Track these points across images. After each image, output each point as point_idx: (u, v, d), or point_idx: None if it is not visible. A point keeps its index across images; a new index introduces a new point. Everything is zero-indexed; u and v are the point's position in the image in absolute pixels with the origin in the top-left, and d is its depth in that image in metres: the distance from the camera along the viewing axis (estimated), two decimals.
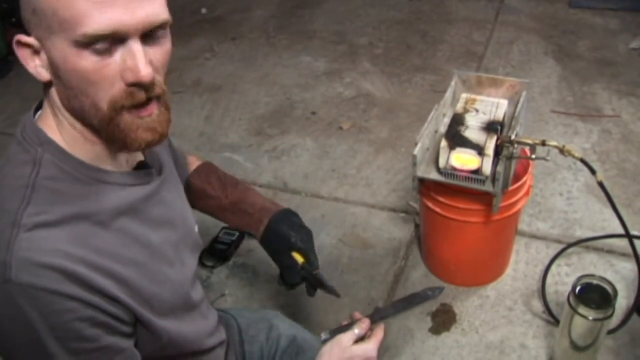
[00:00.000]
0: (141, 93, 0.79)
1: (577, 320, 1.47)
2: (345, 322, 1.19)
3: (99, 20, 0.72)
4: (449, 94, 1.77)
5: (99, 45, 0.74)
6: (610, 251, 1.98)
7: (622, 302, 1.78)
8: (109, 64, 0.76)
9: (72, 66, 0.76)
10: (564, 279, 1.89)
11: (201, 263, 2.07)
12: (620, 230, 1.64)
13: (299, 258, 1.23)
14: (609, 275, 1.87)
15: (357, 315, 1.19)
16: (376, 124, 2.74)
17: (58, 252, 0.76)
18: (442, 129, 1.71)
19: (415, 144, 1.59)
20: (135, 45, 0.76)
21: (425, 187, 1.72)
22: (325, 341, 1.14)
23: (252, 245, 2.14)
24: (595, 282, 1.49)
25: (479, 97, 1.73)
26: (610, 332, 1.67)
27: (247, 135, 2.74)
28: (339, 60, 3.28)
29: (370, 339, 1.12)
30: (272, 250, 1.25)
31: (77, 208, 0.80)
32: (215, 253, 2.09)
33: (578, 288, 1.48)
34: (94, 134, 0.84)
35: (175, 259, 0.96)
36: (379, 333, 1.14)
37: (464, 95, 1.74)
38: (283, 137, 2.71)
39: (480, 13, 3.61)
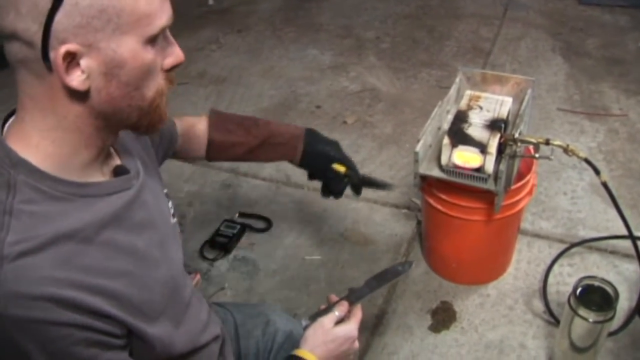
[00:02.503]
0: (175, 74, 0.87)
1: (577, 321, 1.45)
2: (323, 307, 1.21)
3: (165, 12, 0.80)
4: (453, 91, 1.76)
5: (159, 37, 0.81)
6: (614, 252, 1.96)
7: (624, 304, 1.77)
8: (157, 54, 0.81)
9: (140, 62, 0.79)
10: (566, 279, 1.88)
11: (202, 255, 2.06)
12: (624, 231, 1.62)
13: (340, 168, 1.38)
14: (612, 277, 1.86)
15: (334, 298, 1.23)
16: (381, 119, 2.73)
17: (45, 280, 0.74)
18: (446, 126, 1.70)
19: (418, 141, 1.57)
20: (169, 33, 0.84)
21: (427, 184, 1.71)
22: (306, 327, 1.16)
23: (254, 239, 2.13)
24: (596, 283, 1.48)
25: (483, 94, 1.71)
26: (611, 334, 1.65)
27: None
28: (345, 54, 3.27)
29: (350, 320, 1.17)
30: (315, 169, 1.40)
31: (59, 228, 0.77)
32: (216, 246, 2.09)
33: (579, 289, 1.47)
34: (103, 135, 0.84)
35: (162, 259, 0.94)
36: (357, 313, 1.19)
37: (468, 92, 1.73)
38: None
39: (489, 9, 3.59)
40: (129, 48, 0.77)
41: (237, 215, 2.22)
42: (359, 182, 1.42)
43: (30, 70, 0.76)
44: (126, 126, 0.86)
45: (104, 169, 0.89)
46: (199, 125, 1.33)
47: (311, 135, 1.38)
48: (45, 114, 0.79)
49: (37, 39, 0.72)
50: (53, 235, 0.76)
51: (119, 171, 0.91)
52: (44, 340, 0.74)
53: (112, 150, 0.94)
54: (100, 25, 0.73)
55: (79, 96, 0.78)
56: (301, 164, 1.38)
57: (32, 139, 0.80)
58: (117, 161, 0.94)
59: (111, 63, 0.76)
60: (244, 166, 2.48)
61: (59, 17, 0.71)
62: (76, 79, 0.75)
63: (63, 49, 0.73)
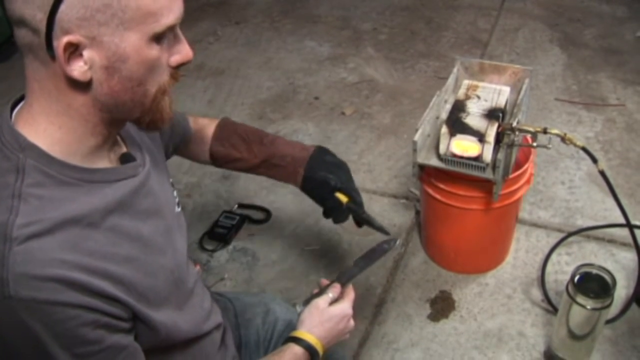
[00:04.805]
0: (180, 72, 0.86)
1: (575, 309, 1.46)
2: (315, 291, 1.22)
3: (174, 11, 0.79)
4: (451, 81, 1.76)
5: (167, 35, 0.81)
6: (611, 241, 1.97)
7: (622, 292, 1.78)
8: (163, 52, 0.81)
9: (143, 58, 0.78)
10: (564, 267, 1.89)
11: (201, 247, 2.07)
12: (622, 220, 1.63)
13: (342, 198, 1.28)
14: (610, 265, 1.87)
15: (325, 281, 1.24)
16: (379, 109, 2.73)
17: (54, 262, 0.75)
18: (444, 115, 1.70)
19: (416, 130, 1.58)
20: (179, 31, 0.83)
21: (426, 173, 1.71)
22: (301, 312, 1.17)
23: (253, 230, 2.14)
24: (594, 271, 1.49)
25: (481, 84, 1.72)
26: (608, 321, 1.67)
27: (249, 120, 2.73)
28: (342, 46, 3.26)
29: (344, 299, 1.18)
30: (315, 196, 1.31)
31: (66, 213, 0.78)
32: (216, 237, 2.10)
33: (577, 277, 1.48)
34: (108, 126, 0.85)
35: (167, 247, 0.95)
36: (350, 293, 1.20)
37: (466, 82, 1.73)
38: (285, 121, 2.70)
39: (486, 0, 3.58)
40: (132, 44, 0.77)
41: (236, 206, 2.23)
42: (360, 219, 1.32)
43: (36, 56, 0.77)
44: (130, 120, 0.87)
45: (110, 155, 0.90)
46: (207, 131, 1.31)
47: (316, 158, 1.28)
48: (52, 100, 0.80)
49: (42, 27, 0.73)
50: (61, 219, 0.77)
51: (125, 159, 0.92)
52: (52, 321, 0.75)
53: (118, 138, 0.95)
54: (104, 19, 0.74)
55: (81, 86, 0.79)
56: (302, 189, 1.31)
57: (40, 124, 0.81)
58: (123, 149, 0.95)
59: (113, 57, 0.77)
60: None
61: (63, 8, 0.72)
62: (77, 70, 0.76)
63: (65, 39, 0.73)
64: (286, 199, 2.25)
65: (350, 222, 1.37)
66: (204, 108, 2.82)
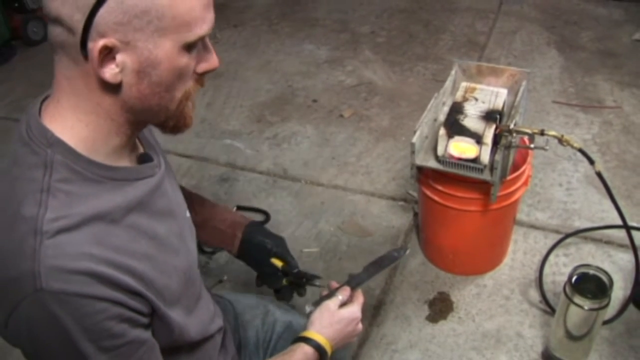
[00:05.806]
0: (205, 78, 0.88)
1: (573, 309, 1.47)
2: (325, 293, 1.23)
3: (207, 22, 0.81)
4: (448, 83, 1.77)
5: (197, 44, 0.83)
6: (609, 242, 1.98)
7: (619, 293, 1.79)
8: (192, 60, 0.83)
9: (174, 65, 0.80)
10: (561, 269, 1.90)
11: (200, 249, 2.08)
12: (619, 221, 1.64)
13: (278, 263, 1.29)
14: (607, 266, 1.87)
15: (334, 284, 1.24)
16: (377, 112, 2.74)
17: (83, 256, 0.77)
18: (442, 117, 1.71)
19: (414, 132, 1.59)
20: (208, 40, 0.85)
21: (424, 175, 1.72)
22: (310, 312, 1.18)
23: None
24: (591, 272, 1.50)
25: (478, 86, 1.73)
26: (606, 322, 1.67)
27: (248, 122, 2.74)
28: (341, 49, 3.28)
29: (353, 303, 1.19)
30: (252, 261, 1.31)
31: (92, 209, 0.80)
32: None
33: (574, 278, 1.49)
34: (133, 126, 0.86)
35: (180, 248, 0.97)
36: (359, 297, 1.21)
37: (463, 84, 1.74)
38: (284, 124, 2.71)
39: (484, 3, 3.60)
40: (165, 50, 0.78)
41: (234, 208, 2.23)
42: (294, 277, 1.31)
43: (67, 54, 0.78)
44: (154, 123, 0.89)
45: (131, 155, 0.92)
46: None
47: (255, 225, 1.32)
48: (81, 98, 0.81)
49: (79, 27, 0.74)
50: (87, 215, 0.79)
51: (143, 159, 0.94)
52: (80, 314, 0.77)
53: (136, 140, 0.96)
54: (140, 25, 0.75)
55: (111, 88, 0.80)
56: (239, 255, 1.31)
57: (67, 120, 0.82)
58: (141, 150, 0.97)
59: (145, 62, 0.78)
60: (240, 160, 2.50)
61: (102, 11, 0.73)
62: (109, 72, 0.77)
63: (101, 42, 0.74)
64: (285, 202, 2.25)
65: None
66: (203, 111, 2.82)
